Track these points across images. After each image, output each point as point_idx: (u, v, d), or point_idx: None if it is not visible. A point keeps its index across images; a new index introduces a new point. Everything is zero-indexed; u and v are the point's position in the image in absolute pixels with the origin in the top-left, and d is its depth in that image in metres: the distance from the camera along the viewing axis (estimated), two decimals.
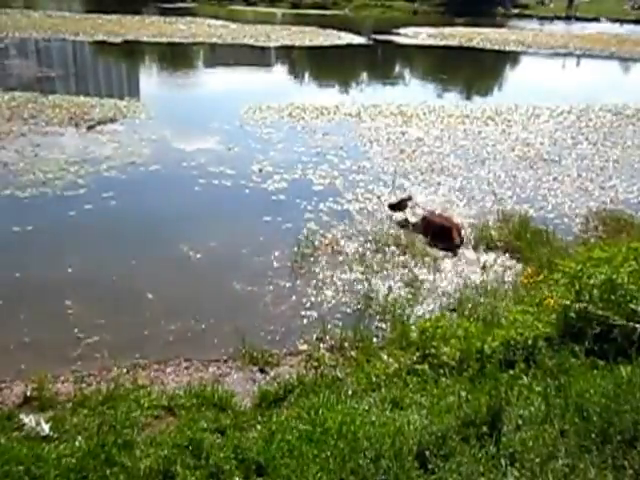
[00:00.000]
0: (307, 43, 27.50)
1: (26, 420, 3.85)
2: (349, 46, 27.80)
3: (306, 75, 23.06)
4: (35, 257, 6.72)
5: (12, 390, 4.54)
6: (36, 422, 3.79)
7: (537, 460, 3.11)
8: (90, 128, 11.88)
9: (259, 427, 3.71)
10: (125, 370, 4.82)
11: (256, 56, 25.05)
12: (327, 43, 27.75)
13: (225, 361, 5.10)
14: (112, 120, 12.64)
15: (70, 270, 6.44)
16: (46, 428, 3.74)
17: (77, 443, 3.39)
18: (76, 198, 8.42)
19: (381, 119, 14.02)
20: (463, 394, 3.83)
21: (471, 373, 4.27)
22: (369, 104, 15.50)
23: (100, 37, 25.72)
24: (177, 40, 26.39)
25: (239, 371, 4.94)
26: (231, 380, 4.79)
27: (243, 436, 3.54)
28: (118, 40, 25.12)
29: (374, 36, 32.37)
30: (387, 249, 7.25)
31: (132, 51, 24.30)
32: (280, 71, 23.50)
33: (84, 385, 4.58)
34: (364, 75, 23.49)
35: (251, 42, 26.82)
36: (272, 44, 26.89)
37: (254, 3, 49.68)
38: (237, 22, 34.82)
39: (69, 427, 3.78)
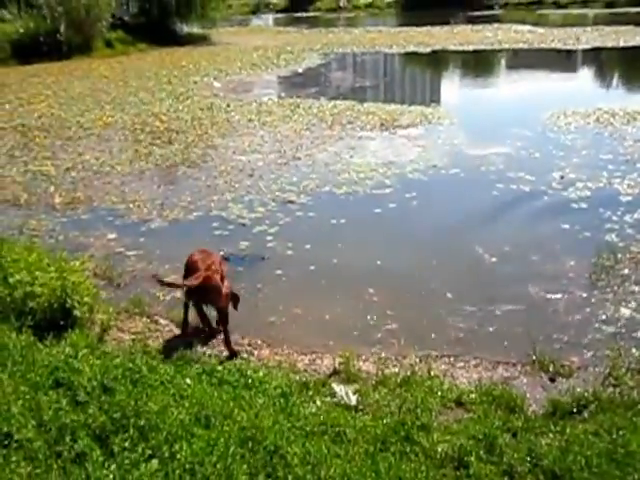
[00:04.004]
0: (621, 44, 25.20)
1: (337, 389, 4.24)
2: None
3: (615, 78, 21.18)
4: (347, 247, 7.30)
5: (322, 361, 5.00)
6: (345, 392, 4.17)
7: None
8: (398, 133, 12.49)
9: (552, 435, 3.59)
10: (419, 359, 4.99)
11: (561, 60, 23.76)
12: None
13: (514, 364, 4.97)
14: (418, 126, 13.13)
15: (379, 262, 6.86)
16: (353, 399, 4.09)
17: (381, 418, 3.67)
18: (383, 197, 8.94)
19: None
20: None
21: None
22: None
23: (411, 48, 26.82)
24: (482, 47, 26.29)
25: (528, 376, 4.77)
26: (519, 384, 4.65)
27: (537, 441, 3.46)
28: (427, 50, 25.92)
29: None
30: None
31: (438, 60, 24.88)
32: (587, 75, 21.95)
33: (382, 367, 4.84)
34: None
35: (559, 46, 25.51)
36: (580, 47, 25.25)
37: (565, 6, 47.03)
38: (545, 26, 33.42)
39: (371, 402, 4.08)
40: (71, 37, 25.63)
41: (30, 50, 24.53)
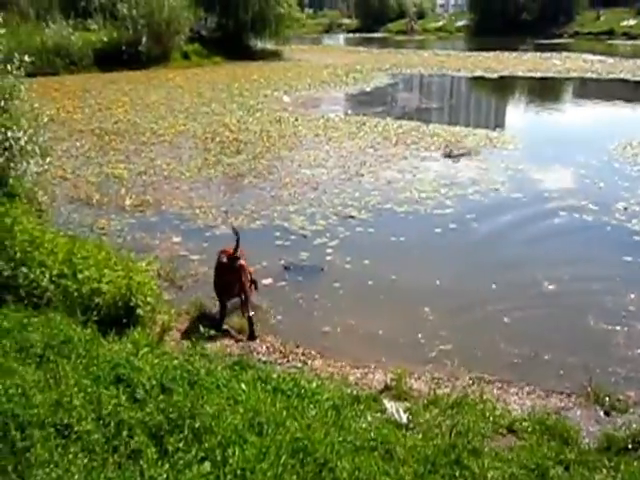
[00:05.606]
0: None
1: (388, 405, 4.16)
2: None
3: None
4: (406, 264, 7.23)
5: (374, 376, 4.94)
6: (396, 409, 4.08)
7: None
8: (461, 155, 12.29)
9: (605, 471, 3.42)
10: (471, 382, 4.88)
11: (630, 91, 22.99)
12: None
13: (568, 395, 4.79)
14: (481, 149, 12.91)
15: (438, 282, 6.76)
16: (404, 417, 3.99)
17: (432, 438, 3.57)
18: (443, 217, 8.82)
19: None
20: None
21: None
22: None
23: (478, 73, 26.47)
24: (550, 75, 25.74)
25: (582, 408, 4.59)
26: (573, 415, 4.48)
27: (590, 476, 3.30)
28: (494, 75, 25.56)
29: None
30: None
31: (505, 85, 24.48)
32: None
33: (434, 386, 4.75)
34: None
35: (628, 77, 24.72)
36: None
37: (635, 37, 45.65)
38: (615, 57, 32.41)
39: (422, 421, 3.99)
40: (151, 48, 26.50)
41: (112, 58, 25.45)
